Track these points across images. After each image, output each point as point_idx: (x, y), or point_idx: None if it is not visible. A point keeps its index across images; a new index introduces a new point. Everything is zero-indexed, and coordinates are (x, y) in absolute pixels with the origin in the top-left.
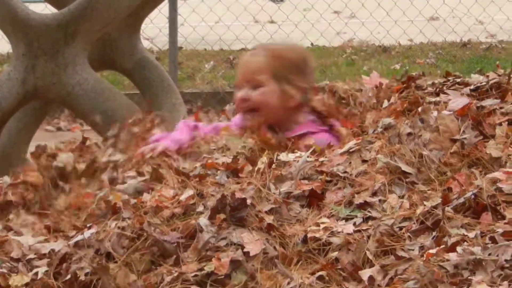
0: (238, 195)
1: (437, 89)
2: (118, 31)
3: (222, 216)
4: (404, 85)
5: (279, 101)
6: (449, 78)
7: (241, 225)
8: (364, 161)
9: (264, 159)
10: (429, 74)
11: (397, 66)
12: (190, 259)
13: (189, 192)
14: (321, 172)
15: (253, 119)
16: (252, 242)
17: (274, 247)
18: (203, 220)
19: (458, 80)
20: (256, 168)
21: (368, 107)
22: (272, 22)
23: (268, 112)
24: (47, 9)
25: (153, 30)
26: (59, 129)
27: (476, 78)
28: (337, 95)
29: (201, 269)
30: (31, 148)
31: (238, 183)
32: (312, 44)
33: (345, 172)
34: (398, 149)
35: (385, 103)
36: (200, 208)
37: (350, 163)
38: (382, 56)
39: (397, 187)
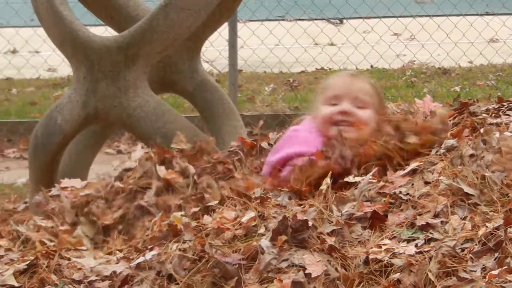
0: (300, 216)
1: (492, 115)
2: (179, 53)
3: (284, 237)
4: (458, 111)
5: (371, 130)
6: (503, 104)
7: (303, 246)
8: (426, 183)
9: (328, 180)
10: (484, 100)
11: (457, 88)
12: (252, 280)
13: (251, 214)
14: (384, 194)
15: (349, 132)
16: (313, 263)
17: (336, 269)
18: (264, 242)
19: None
20: (318, 190)
21: None
22: (331, 44)
23: (362, 134)
24: (107, 32)
25: (213, 53)
26: (119, 151)
27: None
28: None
29: None
30: (92, 171)
31: (300, 205)
32: (371, 66)
33: (408, 194)
34: (461, 171)
35: None
36: (262, 230)
37: (412, 184)
38: (442, 78)
39: (460, 208)
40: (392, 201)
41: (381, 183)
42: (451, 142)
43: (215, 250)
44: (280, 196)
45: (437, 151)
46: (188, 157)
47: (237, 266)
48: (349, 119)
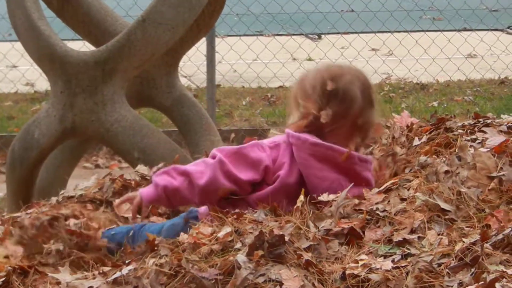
0: (276, 231)
1: (468, 131)
2: (156, 68)
3: (260, 252)
4: (434, 126)
5: None
6: (479, 120)
7: (279, 261)
8: (402, 199)
9: (302, 197)
10: (462, 115)
11: (435, 104)
12: None
13: (227, 229)
14: (360, 211)
15: None
16: (290, 278)
17: (313, 284)
18: (240, 257)
19: (488, 121)
20: (295, 207)
21: (399, 143)
22: (310, 59)
23: None
24: (85, 47)
25: (191, 68)
26: (97, 166)
27: (506, 119)
28: None
29: None
30: (69, 185)
31: (276, 220)
32: None
33: (384, 210)
34: (437, 187)
35: (416, 141)
36: (238, 245)
37: (388, 201)
38: (420, 93)
39: (436, 224)
40: (369, 217)
41: (357, 200)
42: (424, 158)
43: (192, 265)
44: (257, 213)
45: (411, 169)
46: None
47: (213, 281)
48: None
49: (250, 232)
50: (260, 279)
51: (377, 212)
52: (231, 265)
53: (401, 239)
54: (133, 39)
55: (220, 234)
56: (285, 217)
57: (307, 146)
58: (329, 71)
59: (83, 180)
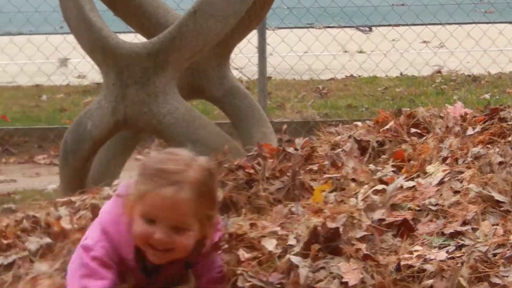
0: (330, 224)
1: None
2: (208, 60)
3: (317, 246)
4: (488, 116)
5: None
6: None
7: (336, 254)
8: (455, 192)
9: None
10: None
11: (487, 96)
12: None
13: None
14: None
15: (164, 258)
16: (349, 271)
17: (372, 276)
18: (294, 258)
19: None
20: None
21: (452, 133)
22: (361, 51)
23: (183, 254)
24: (137, 39)
25: (242, 60)
26: None
27: None
28: (414, 120)
29: None
30: (122, 177)
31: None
32: (401, 73)
33: (437, 204)
34: (490, 178)
35: (469, 131)
36: (292, 241)
37: (441, 195)
38: (472, 85)
39: (491, 215)
40: (419, 209)
41: (410, 192)
42: (477, 150)
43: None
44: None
45: (464, 160)
46: None
47: (279, 285)
48: (168, 247)
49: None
50: (319, 274)
51: (430, 206)
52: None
53: (455, 231)
54: (185, 31)
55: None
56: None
57: None
58: None
59: (134, 172)
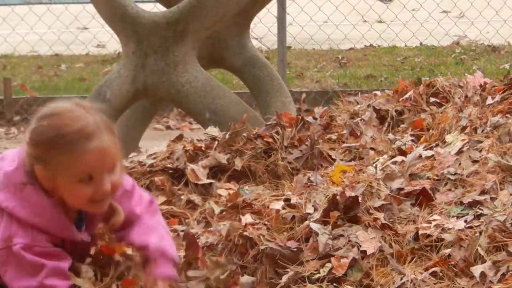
0: (349, 193)
1: None
2: (227, 29)
3: (336, 213)
4: (507, 86)
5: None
6: None
7: (354, 222)
8: (474, 161)
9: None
10: None
11: (507, 66)
12: (309, 257)
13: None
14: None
15: (106, 203)
16: (367, 240)
17: (390, 244)
18: (314, 225)
19: None
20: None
21: (471, 103)
22: (380, 21)
23: (118, 190)
24: (156, 8)
25: (261, 30)
26: (168, 127)
27: None
28: (434, 90)
29: (318, 270)
30: (140, 146)
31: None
32: (421, 43)
33: (456, 173)
34: (509, 148)
35: (489, 100)
36: (310, 210)
37: (459, 164)
38: (491, 55)
39: (509, 185)
40: (439, 180)
41: (428, 162)
42: (496, 119)
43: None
44: (312, 175)
45: (483, 129)
46: (223, 143)
47: (295, 249)
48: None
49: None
50: (338, 242)
51: (448, 176)
52: (308, 231)
53: (473, 200)
54: (204, 0)
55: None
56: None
57: None
58: None
59: (153, 142)
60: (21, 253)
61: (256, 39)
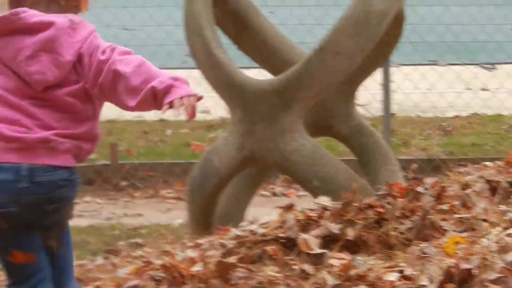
0: (464, 265)
1: None
2: (334, 97)
3: (451, 286)
4: None
5: None
6: None
7: None
8: None
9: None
10: None
11: None
12: None
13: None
14: None
15: None
16: None
17: None
18: None
19: None
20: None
21: None
22: (484, 89)
23: None
24: (260, 75)
25: (365, 96)
26: (274, 194)
27: None
28: None
29: None
30: (248, 214)
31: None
32: None
33: None
34: None
35: None
36: (424, 282)
37: None
38: None
39: None
40: None
41: None
42: None
43: None
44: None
45: None
46: (335, 213)
47: None
48: None
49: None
50: None
51: None
52: None
53: None
54: (311, 68)
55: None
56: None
57: None
58: None
59: (260, 209)
60: None
61: (361, 106)
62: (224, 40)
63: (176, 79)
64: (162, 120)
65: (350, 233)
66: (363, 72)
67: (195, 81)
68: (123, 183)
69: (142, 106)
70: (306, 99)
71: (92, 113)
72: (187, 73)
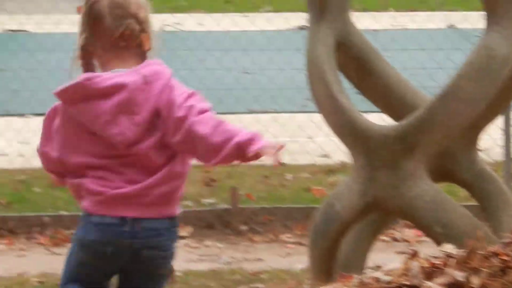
0: None
1: None
2: (457, 143)
3: None
4: None
5: None
6: None
7: None
8: None
9: None
10: None
11: None
12: None
13: None
14: None
15: None
16: None
17: None
18: None
19: None
20: None
21: None
22: None
23: None
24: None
25: (486, 141)
26: (394, 239)
27: None
28: None
29: None
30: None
31: None
32: None
33: None
34: None
35: None
36: None
37: None
38: None
39: None
40: None
41: None
42: None
43: None
44: None
45: None
46: (460, 261)
47: None
48: None
49: None
50: None
51: None
52: None
53: None
54: (435, 114)
55: None
56: None
57: None
58: None
59: (380, 254)
60: None
61: (482, 151)
62: (345, 84)
63: (254, 133)
64: (282, 165)
65: (475, 281)
66: (486, 117)
67: (315, 125)
68: (243, 227)
69: (223, 161)
70: (429, 145)
71: (165, 158)
72: (307, 117)
